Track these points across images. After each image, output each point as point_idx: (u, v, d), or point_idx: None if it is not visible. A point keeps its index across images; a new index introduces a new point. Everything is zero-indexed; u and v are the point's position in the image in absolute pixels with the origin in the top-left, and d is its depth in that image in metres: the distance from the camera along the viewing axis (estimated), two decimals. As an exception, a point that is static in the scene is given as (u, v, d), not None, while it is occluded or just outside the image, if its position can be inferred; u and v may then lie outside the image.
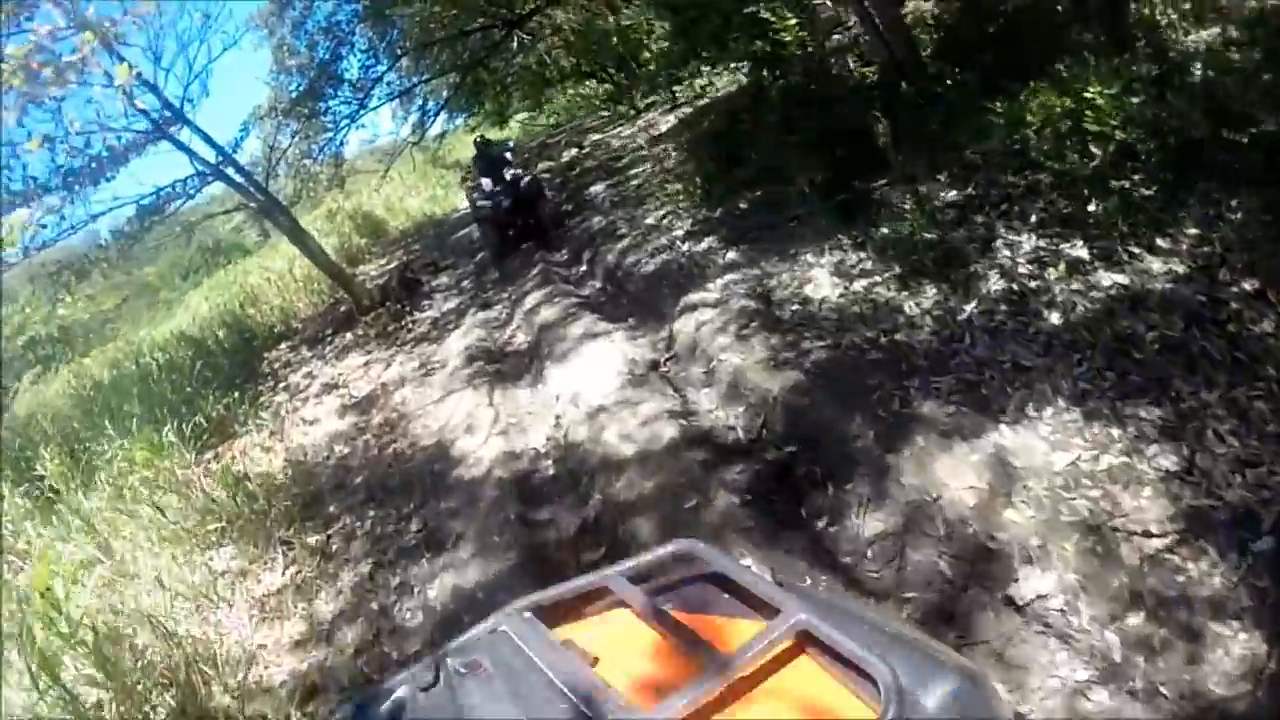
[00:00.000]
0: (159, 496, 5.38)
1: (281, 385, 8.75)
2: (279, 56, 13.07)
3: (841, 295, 4.88)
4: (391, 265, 12.66)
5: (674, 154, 10.25)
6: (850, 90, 6.39)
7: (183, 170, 8.83)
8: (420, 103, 16.40)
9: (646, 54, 18.94)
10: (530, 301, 7.31)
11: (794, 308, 4.91)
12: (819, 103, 6.03)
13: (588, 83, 27.02)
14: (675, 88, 16.77)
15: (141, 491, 5.60)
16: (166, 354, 10.32)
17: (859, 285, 4.90)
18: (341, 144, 14.14)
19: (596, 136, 18.07)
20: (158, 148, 7.98)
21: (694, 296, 5.42)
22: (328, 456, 6.12)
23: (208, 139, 8.56)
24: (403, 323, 8.73)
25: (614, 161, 12.63)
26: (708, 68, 16.33)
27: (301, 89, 12.57)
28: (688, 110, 13.57)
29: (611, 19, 18.18)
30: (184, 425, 6.83)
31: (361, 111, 13.62)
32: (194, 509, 5.11)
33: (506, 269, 9.08)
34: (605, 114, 24.24)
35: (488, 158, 10.47)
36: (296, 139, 12.90)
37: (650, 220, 7.88)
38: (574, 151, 17.79)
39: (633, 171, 10.90)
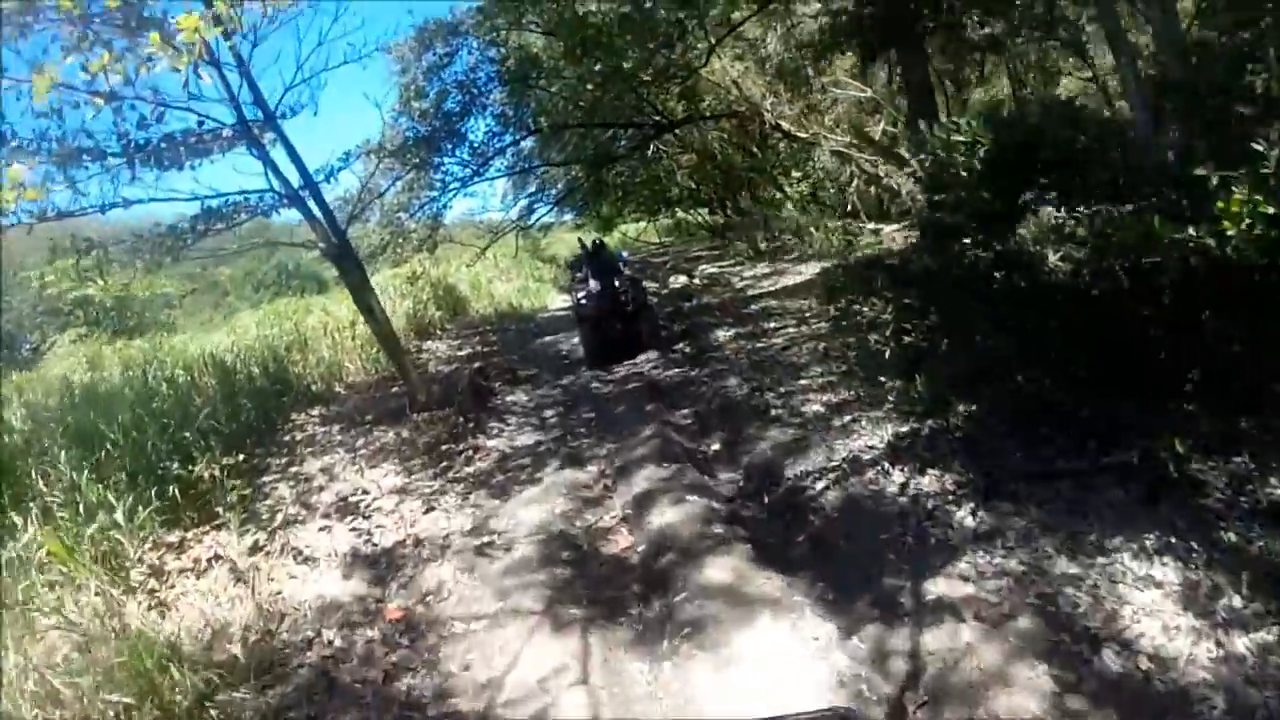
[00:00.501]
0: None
1: (294, 468, 6.80)
2: (405, 96, 11.87)
3: (1211, 655, 2.81)
4: (464, 351, 10.91)
5: (821, 316, 8.51)
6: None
7: (254, 181, 7.21)
8: (537, 186, 15.11)
9: (781, 193, 17.82)
10: (641, 479, 5.30)
11: (1115, 651, 2.87)
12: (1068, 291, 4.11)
13: (701, 210, 26.21)
14: (812, 232, 15.35)
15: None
16: (189, 375, 8.55)
17: (1241, 641, 2.94)
18: (445, 206, 12.79)
19: (708, 268, 16.64)
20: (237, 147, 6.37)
21: (943, 586, 3.36)
22: (309, 642, 4.05)
23: (295, 157, 6.99)
24: (462, 445, 6.76)
25: (742, 305, 10.88)
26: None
27: (420, 136, 11.23)
28: (829, 262, 11.96)
29: (757, 152, 17.07)
30: (153, 491, 5.04)
31: (475, 179, 12.30)
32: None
33: (608, 413, 7.14)
34: (715, 247, 23.26)
35: (600, 260, 10.20)
36: (399, 187, 11.51)
37: (816, 408, 5.94)
38: (683, 279, 16.27)
39: (770, 325, 9.09)
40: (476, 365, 9.37)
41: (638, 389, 7.73)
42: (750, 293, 11.69)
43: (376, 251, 12.57)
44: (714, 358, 8.27)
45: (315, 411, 8.56)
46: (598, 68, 10.68)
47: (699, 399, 7.14)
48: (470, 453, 6.60)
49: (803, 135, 12.69)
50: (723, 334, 9.46)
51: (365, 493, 6.04)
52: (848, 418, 5.58)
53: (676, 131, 16.24)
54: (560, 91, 12.90)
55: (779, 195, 16.82)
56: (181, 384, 8.14)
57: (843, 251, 12.65)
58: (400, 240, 13.09)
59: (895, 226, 13.97)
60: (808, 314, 9.44)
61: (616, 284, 9.52)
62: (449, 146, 11.86)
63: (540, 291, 17.20)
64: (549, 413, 7.70)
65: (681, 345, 9.58)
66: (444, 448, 6.73)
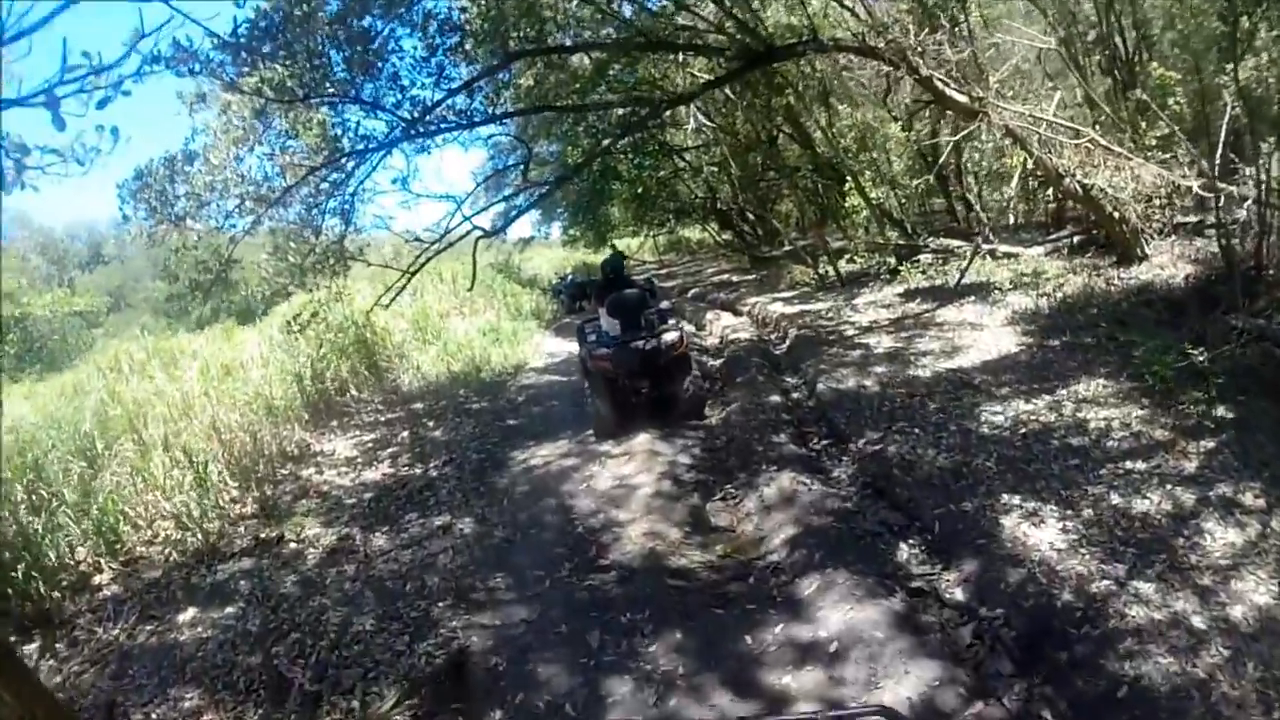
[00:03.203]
0: None
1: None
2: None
3: None
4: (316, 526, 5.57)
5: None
6: None
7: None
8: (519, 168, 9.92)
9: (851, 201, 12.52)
10: None
11: None
12: None
13: (715, 228, 20.81)
14: (915, 260, 10.09)
15: None
16: None
17: None
18: (357, 197, 7.42)
19: (763, 301, 11.38)
20: None
21: None
22: None
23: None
24: None
25: (923, 391, 5.68)
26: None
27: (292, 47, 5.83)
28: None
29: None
30: None
31: (406, 141, 7.02)
32: None
33: None
34: (738, 268, 17.99)
35: (619, 286, 6.98)
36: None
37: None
38: (729, 320, 10.99)
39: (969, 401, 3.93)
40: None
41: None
42: (914, 367, 6.41)
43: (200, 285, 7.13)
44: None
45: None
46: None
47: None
48: None
49: (962, 98, 7.44)
50: (919, 433, 4.22)
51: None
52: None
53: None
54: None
55: (859, 200, 11.52)
56: None
57: (1030, 285, 7.47)
58: (286, 260, 7.60)
59: (1039, 250, 8.84)
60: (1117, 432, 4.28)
61: (644, 322, 6.65)
62: (355, 78, 6.43)
63: (518, 334, 11.71)
64: None
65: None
66: None
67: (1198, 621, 2.77)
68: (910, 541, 3.83)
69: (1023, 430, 4.66)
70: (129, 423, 6.54)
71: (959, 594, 3.35)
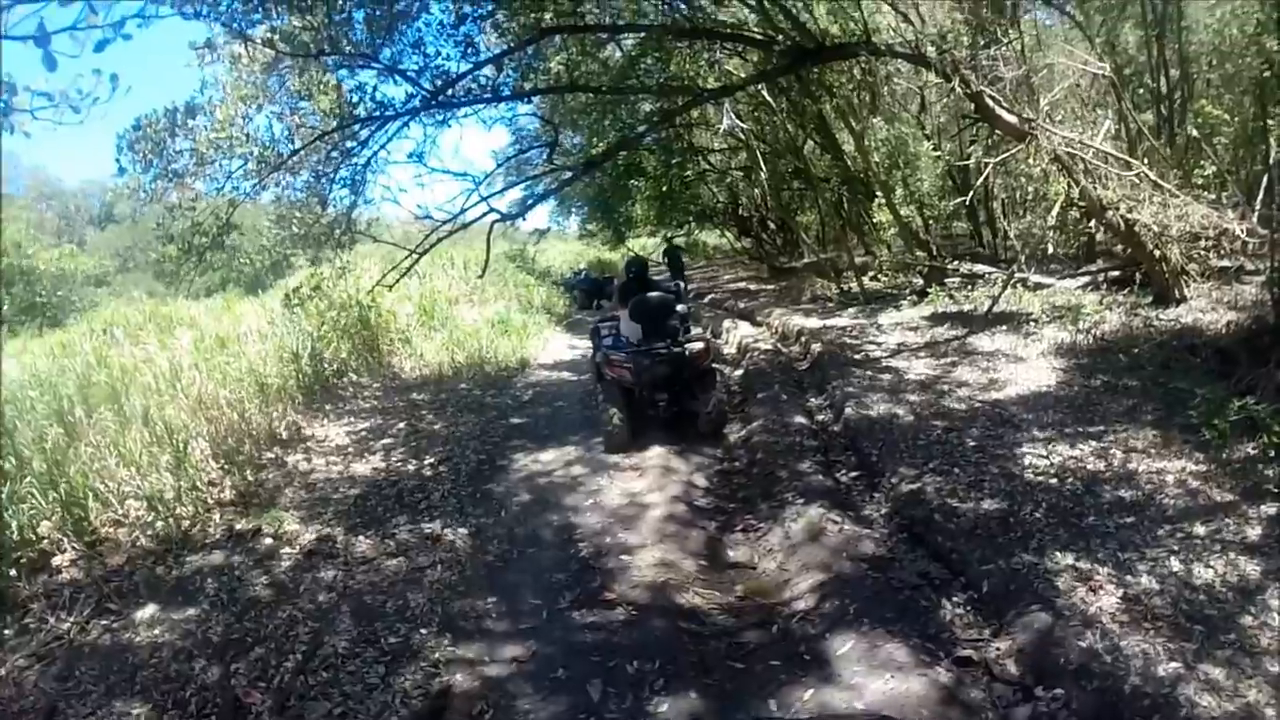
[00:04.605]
0: None
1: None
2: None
3: None
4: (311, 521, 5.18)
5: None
6: None
7: None
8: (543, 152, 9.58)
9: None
10: None
11: None
12: None
13: (731, 229, 20.33)
14: (943, 282, 9.68)
15: None
16: None
17: None
18: (370, 169, 7.07)
19: (784, 314, 10.92)
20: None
21: None
22: None
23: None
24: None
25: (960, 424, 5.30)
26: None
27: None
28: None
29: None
30: None
31: (427, 113, 6.67)
32: None
33: None
34: (756, 275, 17.46)
35: (644, 284, 6.69)
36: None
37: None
38: (751, 331, 10.58)
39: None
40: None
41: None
42: (949, 398, 6.00)
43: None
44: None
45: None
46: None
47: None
48: None
49: (1012, 118, 7.03)
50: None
51: None
52: None
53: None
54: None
55: (886, 217, 11.09)
56: None
57: (1066, 319, 7.06)
58: (293, 226, 7.24)
59: (1072, 283, 8.45)
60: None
61: (669, 330, 6.29)
62: (375, 39, 6.06)
63: (528, 327, 11.30)
64: None
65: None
66: None
67: (1273, 714, 2.44)
68: (955, 599, 3.41)
69: (1070, 478, 4.25)
70: (112, 390, 6.16)
71: (1011, 667, 2.93)
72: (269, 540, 4.45)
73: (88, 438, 5.51)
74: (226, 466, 5.44)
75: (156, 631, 3.55)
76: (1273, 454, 3.90)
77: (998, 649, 3.05)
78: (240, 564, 4.15)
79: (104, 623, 3.70)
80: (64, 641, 3.61)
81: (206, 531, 4.60)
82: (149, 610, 3.75)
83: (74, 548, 4.53)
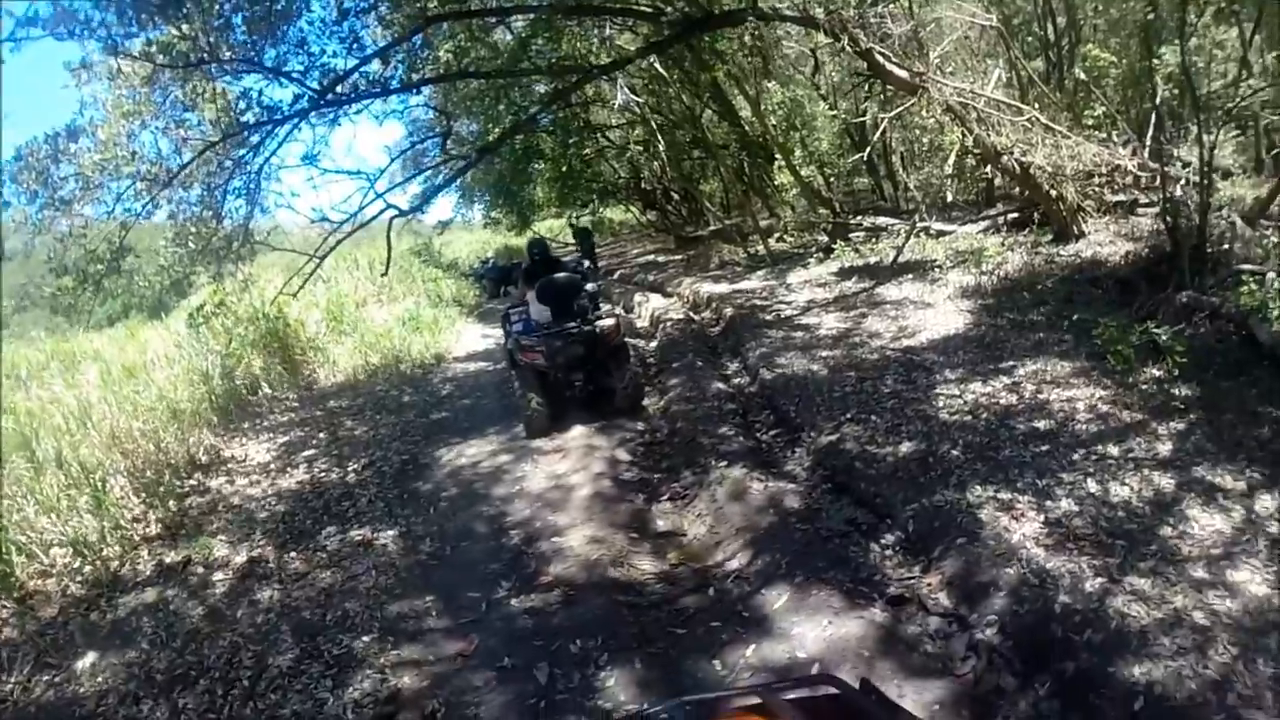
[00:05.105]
0: None
1: None
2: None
3: None
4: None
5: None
6: None
7: None
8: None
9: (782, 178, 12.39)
10: None
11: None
12: None
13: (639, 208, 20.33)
14: (848, 237, 10.13)
15: None
16: None
17: None
18: (264, 176, 6.92)
19: (694, 282, 11.16)
20: None
21: None
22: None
23: None
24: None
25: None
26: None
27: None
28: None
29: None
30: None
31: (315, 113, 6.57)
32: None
33: None
34: (663, 248, 17.60)
35: (548, 265, 6.83)
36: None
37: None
38: (662, 301, 10.79)
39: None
40: None
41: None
42: (862, 348, 6.32)
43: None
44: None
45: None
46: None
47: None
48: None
49: (903, 73, 7.38)
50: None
51: None
52: None
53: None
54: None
55: (788, 179, 11.42)
56: None
57: (970, 263, 7.49)
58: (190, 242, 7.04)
59: (974, 228, 8.94)
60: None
61: (577, 309, 6.30)
62: (257, 42, 5.94)
63: (440, 321, 11.25)
64: None
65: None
66: None
67: (1200, 618, 2.62)
68: (882, 541, 3.65)
69: (984, 414, 4.54)
70: (21, 437, 5.93)
71: (945, 600, 3.15)
72: (200, 569, 4.44)
73: (3, 489, 5.33)
74: (148, 500, 5.35)
75: (100, 679, 3.53)
76: (1176, 373, 4.23)
77: (929, 584, 3.26)
78: (174, 597, 4.14)
79: (45, 678, 3.66)
80: (8, 704, 3.57)
81: (136, 569, 4.56)
82: (89, 659, 3.72)
83: (3, 605, 4.43)
